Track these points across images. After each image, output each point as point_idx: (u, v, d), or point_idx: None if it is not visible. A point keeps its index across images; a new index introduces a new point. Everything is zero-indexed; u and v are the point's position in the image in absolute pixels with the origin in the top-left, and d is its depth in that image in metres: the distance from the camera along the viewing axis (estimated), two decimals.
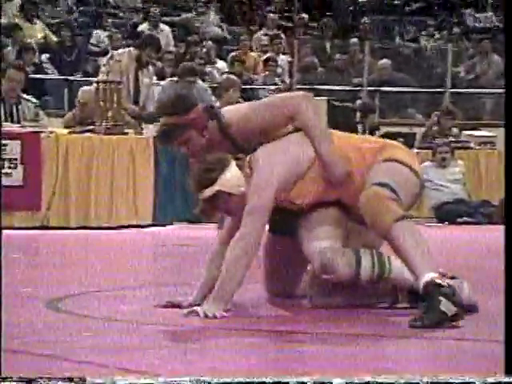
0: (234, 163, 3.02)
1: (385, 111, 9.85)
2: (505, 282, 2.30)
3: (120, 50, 7.47)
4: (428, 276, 2.71)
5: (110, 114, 6.28)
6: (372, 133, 8.22)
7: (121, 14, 10.76)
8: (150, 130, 6.77)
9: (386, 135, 8.21)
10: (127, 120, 6.75)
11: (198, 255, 5.00)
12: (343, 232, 3.04)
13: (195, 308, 2.92)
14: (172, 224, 6.64)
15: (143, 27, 10.04)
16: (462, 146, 8.14)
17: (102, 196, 6.27)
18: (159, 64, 9.07)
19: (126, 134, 6.50)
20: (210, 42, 9.89)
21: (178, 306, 3.04)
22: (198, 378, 1.95)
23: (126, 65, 7.02)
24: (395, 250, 2.85)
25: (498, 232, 7.97)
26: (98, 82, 6.47)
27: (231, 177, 2.98)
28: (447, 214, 7.61)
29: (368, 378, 1.97)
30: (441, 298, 2.66)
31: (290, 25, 11.20)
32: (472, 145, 8.24)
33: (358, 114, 8.13)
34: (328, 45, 10.76)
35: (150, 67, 7.31)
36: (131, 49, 7.24)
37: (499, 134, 8.57)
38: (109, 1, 10.99)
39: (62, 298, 3.26)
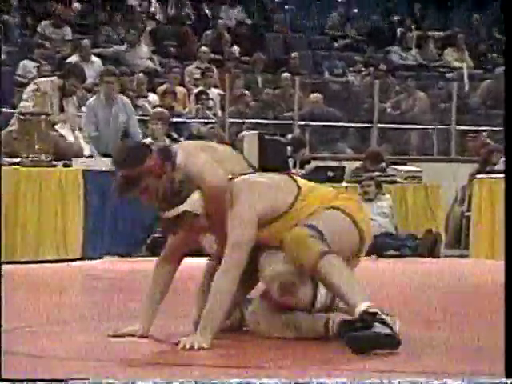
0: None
1: (315, 145, 10.00)
2: (505, 283, 2.40)
3: (42, 79, 7.37)
4: (363, 305, 2.84)
5: (37, 146, 6.19)
6: (302, 167, 8.33)
7: (49, 45, 10.66)
8: (79, 163, 6.72)
9: (317, 169, 8.35)
10: (57, 151, 6.65)
11: (128, 289, 4.96)
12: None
13: (184, 339, 2.95)
14: (101, 258, 6.57)
15: (73, 58, 9.98)
16: (389, 180, 8.32)
17: (28, 230, 6.16)
18: (89, 96, 9.01)
19: (54, 166, 6.43)
20: (141, 75, 9.89)
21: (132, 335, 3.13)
22: (196, 379, 1.92)
23: (50, 95, 6.93)
24: (326, 285, 2.97)
25: (422, 265, 8.14)
26: (24, 114, 6.38)
27: (197, 198, 3.06)
28: (374, 247, 7.74)
29: (375, 379, 2.00)
30: (376, 323, 2.80)
31: (221, 58, 11.30)
32: (398, 179, 8.43)
33: (289, 148, 8.23)
34: (259, 79, 10.88)
35: (74, 97, 7.23)
36: (55, 78, 7.16)
37: (424, 168, 8.80)
38: (37, 31, 10.89)
39: None
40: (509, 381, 2.14)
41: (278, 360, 2.85)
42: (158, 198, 3.04)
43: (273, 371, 2.63)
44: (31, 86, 7.14)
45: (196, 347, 2.91)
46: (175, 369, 2.69)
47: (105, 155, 6.84)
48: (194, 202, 3.05)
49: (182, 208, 3.04)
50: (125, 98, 7.96)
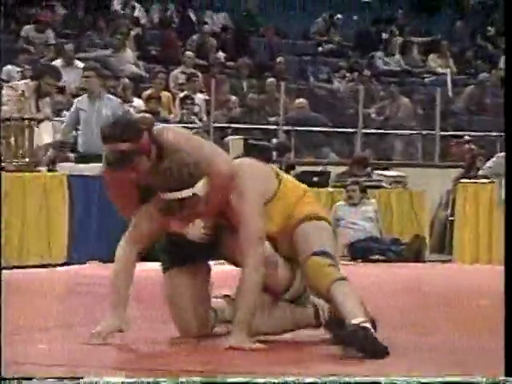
0: None
1: (300, 150, 10.02)
2: (505, 285, 2.45)
3: (18, 82, 7.31)
4: (357, 319, 2.98)
5: (21, 151, 6.16)
6: (288, 171, 8.35)
7: (33, 50, 10.61)
8: (64, 167, 6.70)
9: (302, 174, 8.37)
10: (41, 156, 6.62)
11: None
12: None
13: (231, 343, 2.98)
14: (86, 263, 6.54)
15: (57, 63, 9.95)
16: (374, 185, 8.35)
17: (12, 234, 6.13)
18: (75, 101, 8.96)
19: (39, 171, 6.40)
20: (126, 80, 9.88)
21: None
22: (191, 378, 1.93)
23: (27, 97, 6.87)
24: (332, 305, 3.12)
25: (407, 269, 8.17)
26: (8, 119, 6.34)
27: (204, 181, 3.06)
28: (360, 251, 7.77)
29: (370, 378, 2.02)
30: (365, 338, 2.93)
31: (206, 63, 11.31)
32: (383, 184, 8.47)
33: (274, 153, 8.25)
34: (245, 84, 10.90)
35: (48, 98, 7.15)
36: (28, 80, 7.11)
37: (409, 173, 8.85)
38: (20, 35, 10.85)
39: None
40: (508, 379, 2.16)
41: (260, 364, 2.85)
42: (173, 177, 2.98)
43: (251, 375, 2.63)
44: (9, 90, 7.05)
45: (247, 347, 2.96)
46: (153, 374, 2.69)
47: (91, 158, 6.77)
48: (201, 184, 3.04)
49: (192, 190, 3.02)
50: (112, 96, 7.84)
